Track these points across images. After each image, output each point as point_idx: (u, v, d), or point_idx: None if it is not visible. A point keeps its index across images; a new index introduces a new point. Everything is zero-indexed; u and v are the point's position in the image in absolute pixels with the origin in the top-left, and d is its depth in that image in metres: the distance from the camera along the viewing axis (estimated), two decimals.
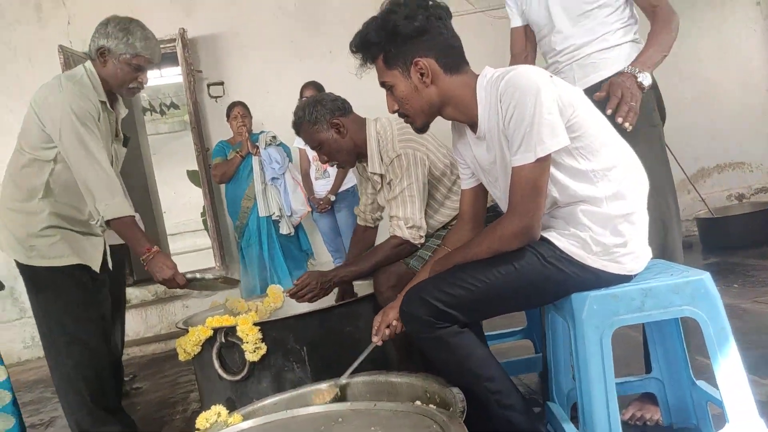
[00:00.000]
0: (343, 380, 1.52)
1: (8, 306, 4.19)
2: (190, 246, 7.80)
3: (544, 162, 1.20)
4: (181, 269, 3.84)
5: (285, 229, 3.52)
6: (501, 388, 1.32)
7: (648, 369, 1.63)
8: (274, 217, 3.53)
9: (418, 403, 1.33)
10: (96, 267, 1.93)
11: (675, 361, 1.52)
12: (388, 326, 1.44)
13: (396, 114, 1.39)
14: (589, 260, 1.28)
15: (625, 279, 1.31)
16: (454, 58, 1.31)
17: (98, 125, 1.80)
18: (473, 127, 1.36)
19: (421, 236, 1.83)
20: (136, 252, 1.82)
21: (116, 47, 1.82)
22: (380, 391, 1.50)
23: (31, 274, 1.86)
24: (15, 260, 1.87)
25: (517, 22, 1.86)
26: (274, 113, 4.02)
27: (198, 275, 1.99)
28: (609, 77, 1.51)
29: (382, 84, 1.36)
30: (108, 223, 1.79)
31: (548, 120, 1.18)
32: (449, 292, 1.28)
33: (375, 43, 1.31)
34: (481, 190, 1.48)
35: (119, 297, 3.05)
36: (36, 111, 1.80)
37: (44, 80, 1.89)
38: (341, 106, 1.91)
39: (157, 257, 1.79)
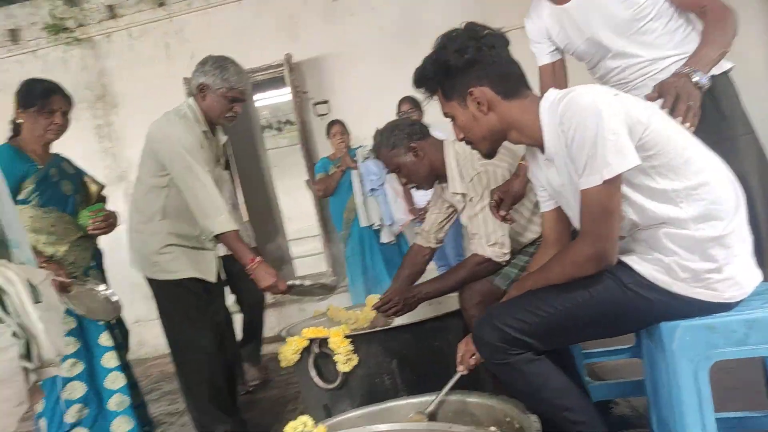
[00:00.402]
0: (429, 409, 1.53)
1: (153, 305, 4.71)
2: (310, 250, 8.24)
3: (612, 184, 1.15)
4: (301, 272, 4.04)
5: (385, 237, 3.63)
6: (583, 419, 1.28)
7: None
8: (375, 227, 3.66)
9: (493, 429, 1.32)
10: (210, 278, 2.16)
11: None
12: (472, 354, 1.44)
13: (463, 141, 1.41)
14: (676, 287, 1.19)
15: (724, 307, 1.20)
16: (511, 84, 1.31)
17: (202, 152, 2.01)
18: (542, 149, 1.33)
19: (504, 253, 1.81)
20: (241, 263, 1.99)
21: (213, 83, 2.03)
22: (461, 411, 1.51)
23: (155, 287, 2.14)
24: (143, 275, 2.14)
25: (545, 59, 1.80)
26: (375, 127, 4.14)
27: (297, 282, 2.11)
28: None
29: (445, 115, 1.38)
30: (217, 237, 1.99)
31: (612, 140, 1.12)
32: (521, 319, 1.26)
33: (431, 78, 1.35)
34: (562, 212, 1.44)
35: (259, 299, 3.26)
36: (151, 144, 2.06)
37: None
38: (418, 130, 1.96)
39: (260, 267, 1.95)
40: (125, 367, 2.17)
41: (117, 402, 2.09)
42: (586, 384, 1.78)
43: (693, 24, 1.57)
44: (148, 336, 4.75)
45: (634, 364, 2.21)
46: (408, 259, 2.18)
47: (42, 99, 2.05)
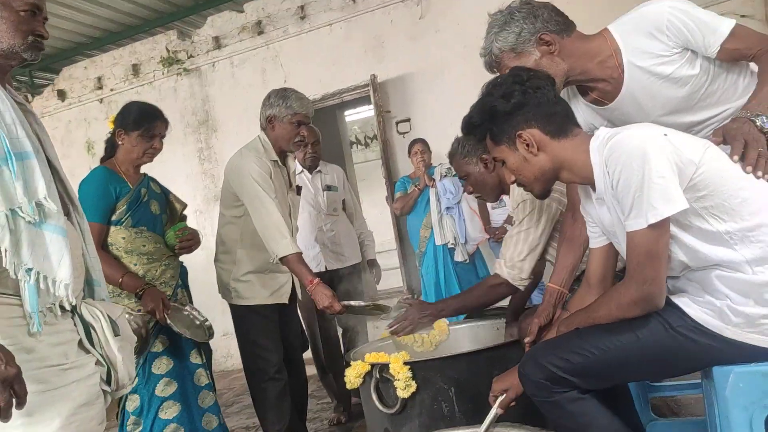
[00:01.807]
0: None
1: None
2: (393, 263, 8.44)
3: (658, 228, 1.13)
4: (382, 285, 4.08)
5: (459, 256, 3.66)
6: None
7: None
8: (449, 245, 3.69)
9: None
10: (284, 300, 2.33)
11: None
12: (504, 391, 1.47)
13: (515, 184, 1.43)
14: (729, 332, 1.15)
15: None
16: (558, 124, 1.32)
17: (270, 181, 2.19)
18: (594, 187, 1.33)
19: (521, 278, 1.84)
20: (302, 283, 2.16)
21: (279, 112, 2.24)
22: None
23: (233, 311, 2.36)
24: (225, 299, 2.37)
25: None
26: None
27: (353, 303, 2.24)
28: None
29: (494, 159, 1.42)
30: (281, 260, 2.14)
31: (659, 184, 1.11)
32: (565, 358, 1.27)
33: (478, 125, 1.39)
34: (611, 250, 1.42)
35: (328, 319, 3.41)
36: (226, 177, 2.30)
37: None
38: None
39: (317, 288, 2.10)
40: (212, 387, 2.23)
41: (207, 421, 2.16)
42: (642, 422, 1.70)
43: (750, 67, 1.48)
44: (235, 349, 5.08)
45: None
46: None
47: (148, 123, 2.11)
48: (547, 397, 1.30)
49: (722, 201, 1.14)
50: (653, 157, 1.12)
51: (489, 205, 3.80)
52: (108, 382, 1.16)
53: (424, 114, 4.67)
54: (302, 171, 3.36)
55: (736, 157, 1.22)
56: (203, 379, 2.19)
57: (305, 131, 2.31)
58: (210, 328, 2.21)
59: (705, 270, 1.18)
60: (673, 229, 1.17)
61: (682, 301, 1.20)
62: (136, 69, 5.46)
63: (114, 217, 2.10)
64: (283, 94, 2.25)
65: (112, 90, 5.54)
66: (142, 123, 2.12)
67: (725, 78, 1.47)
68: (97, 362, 1.15)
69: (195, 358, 2.19)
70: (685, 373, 1.26)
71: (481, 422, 1.61)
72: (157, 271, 2.16)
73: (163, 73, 5.37)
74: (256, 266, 2.30)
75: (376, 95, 4.65)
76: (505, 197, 3.49)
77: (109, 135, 2.22)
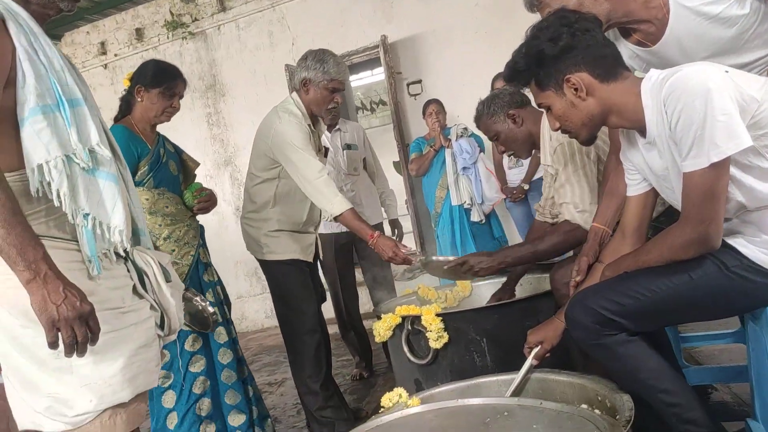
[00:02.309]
0: (508, 394, 1.54)
1: (254, 282, 5.13)
2: (407, 227, 8.48)
3: (719, 167, 1.11)
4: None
5: (476, 216, 3.65)
6: (680, 401, 1.26)
7: None
8: (465, 206, 3.68)
9: (584, 406, 1.34)
10: (309, 258, 2.33)
11: None
12: (540, 343, 1.49)
13: (560, 131, 1.40)
14: None
15: None
16: (608, 67, 1.28)
17: (310, 145, 2.15)
18: (642, 132, 1.30)
19: (590, 221, 1.77)
20: (363, 238, 2.13)
21: (315, 76, 2.16)
22: (551, 389, 1.53)
23: (265, 267, 2.35)
24: (255, 257, 2.36)
25: None
26: (469, 105, 4.11)
27: (419, 257, 2.18)
28: None
29: (539, 105, 1.38)
30: (336, 218, 2.12)
31: (722, 121, 1.08)
32: (616, 301, 1.26)
33: (524, 71, 1.34)
34: (649, 198, 1.40)
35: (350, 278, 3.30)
36: (263, 141, 2.23)
37: (275, 96, 2.31)
38: (518, 99, 1.98)
39: (380, 241, 2.09)
40: (234, 341, 2.26)
41: (227, 376, 2.20)
42: (681, 368, 1.73)
43: None
44: (249, 311, 5.18)
45: (734, 350, 2.13)
46: (529, 234, 2.20)
47: (169, 81, 2.07)
48: (596, 341, 1.29)
49: None
50: (716, 95, 1.09)
51: (505, 164, 3.77)
52: (161, 326, 1.17)
53: (436, 75, 4.59)
54: None
55: None
56: (222, 337, 2.21)
57: (339, 98, 2.23)
58: (216, 321, 2.18)
59: (762, 210, 1.17)
60: (732, 169, 1.15)
61: (737, 242, 1.19)
62: (139, 33, 5.35)
63: (136, 178, 2.07)
64: (320, 57, 2.16)
65: (116, 55, 5.44)
66: (163, 80, 2.08)
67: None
68: (151, 307, 1.16)
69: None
70: (738, 313, 1.27)
71: (515, 371, 1.63)
72: (180, 231, 2.16)
73: (167, 38, 5.26)
74: (287, 226, 2.29)
75: (387, 56, 4.57)
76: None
77: (124, 93, 2.18)
